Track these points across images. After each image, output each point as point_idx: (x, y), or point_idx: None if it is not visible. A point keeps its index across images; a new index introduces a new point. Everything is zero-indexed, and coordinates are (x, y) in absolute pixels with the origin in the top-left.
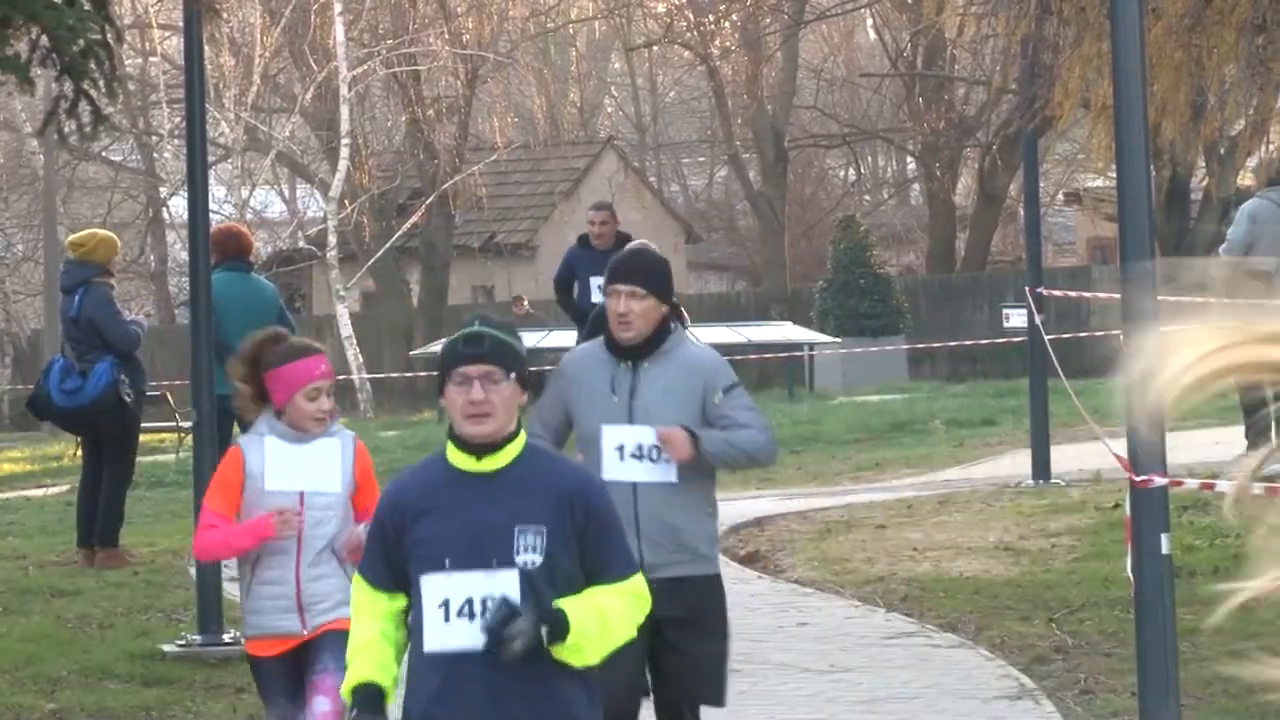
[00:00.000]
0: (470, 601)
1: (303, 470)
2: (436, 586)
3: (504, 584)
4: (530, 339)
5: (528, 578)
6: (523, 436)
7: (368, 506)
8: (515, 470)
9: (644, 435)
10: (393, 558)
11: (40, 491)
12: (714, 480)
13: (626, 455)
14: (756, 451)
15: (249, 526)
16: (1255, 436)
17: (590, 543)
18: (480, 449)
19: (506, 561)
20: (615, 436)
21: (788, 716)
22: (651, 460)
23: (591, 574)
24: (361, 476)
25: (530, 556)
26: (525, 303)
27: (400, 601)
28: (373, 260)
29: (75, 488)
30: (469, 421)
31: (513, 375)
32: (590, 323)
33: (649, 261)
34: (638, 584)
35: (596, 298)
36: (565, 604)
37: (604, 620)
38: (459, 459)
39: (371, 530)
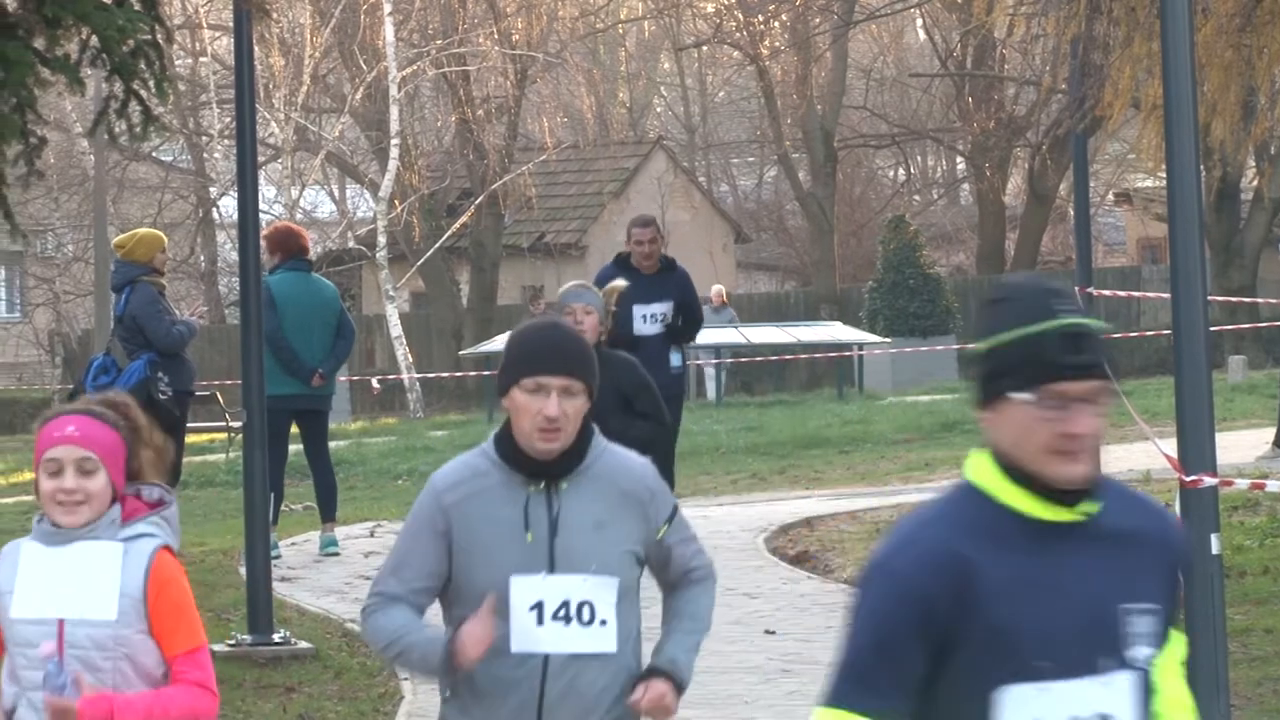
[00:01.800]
0: None
1: (62, 588)
2: (1025, 705)
3: (1115, 697)
4: None
5: (1144, 686)
6: None
7: (176, 647)
8: (1107, 517)
9: (571, 588)
10: (924, 657)
11: None
12: (640, 642)
13: (547, 617)
14: (711, 615)
15: None
16: None
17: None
18: (1075, 494)
19: (1118, 661)
20: (531, 592)
21: None
22: (582, 622)
23: None
24: (158, 599)
25: (1144, 652)
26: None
27: None
28: (422, 260)
29: None
30: (1065, 461)
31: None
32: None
33: (579, 343)
34: None
35: (641, 328)
36: None
37: None
38: (1029, 503)
39: (873, 621)
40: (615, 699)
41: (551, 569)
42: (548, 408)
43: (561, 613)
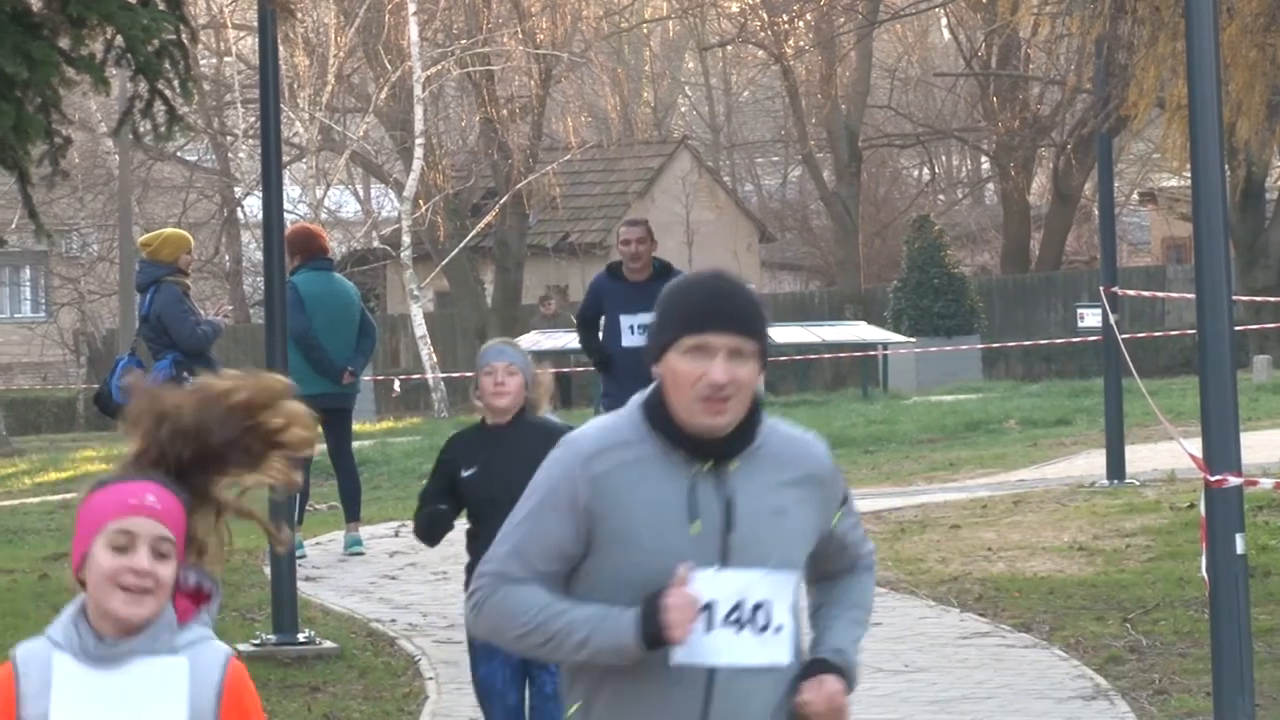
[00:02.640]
0: None
1: (115, 716)
2: None
3: None
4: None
5: None
6: None
7: None
8: None
9: (748, 585)
10: None
11: None
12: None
13: (718, 621)
14: (873, 606)
15: None
16: None
17: None
18: None
19: None
20: (701, 589)
21: (862, 716)
22: (756, 629)
23: None
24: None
25: None
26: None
27: None
28: (447, 260)
29: None
30: None
31: None
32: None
33: (749, 296)
34: None
35: (629, 340)
36: None
37: None
38: None
39: None
40: None
41: (725, 563)
42: (713, 372)
43: (735, 616)
